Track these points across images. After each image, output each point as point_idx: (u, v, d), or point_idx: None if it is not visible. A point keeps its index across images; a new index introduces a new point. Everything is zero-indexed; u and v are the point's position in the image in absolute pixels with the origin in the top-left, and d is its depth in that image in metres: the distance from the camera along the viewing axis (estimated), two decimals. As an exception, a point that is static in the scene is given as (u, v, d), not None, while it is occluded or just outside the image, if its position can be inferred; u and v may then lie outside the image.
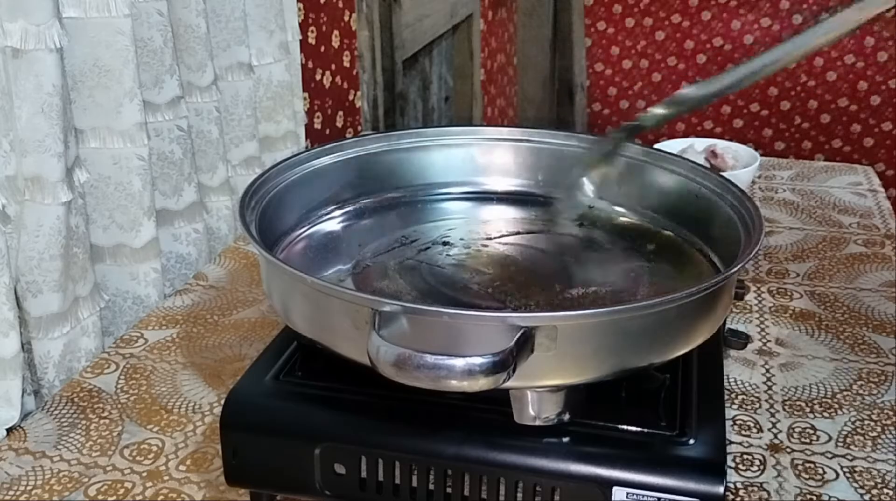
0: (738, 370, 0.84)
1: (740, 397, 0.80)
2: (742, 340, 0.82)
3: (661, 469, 0.55)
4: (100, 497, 0.68)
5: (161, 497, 0.68)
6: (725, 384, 0.79)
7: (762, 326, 0.92)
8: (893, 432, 0.75)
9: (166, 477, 0.70)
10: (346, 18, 1.49)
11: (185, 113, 0.98)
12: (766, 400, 0.79)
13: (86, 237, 0.87)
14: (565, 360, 0.54)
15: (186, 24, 0.98)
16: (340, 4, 1.46)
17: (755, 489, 0.68)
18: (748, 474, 0.70)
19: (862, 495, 0.68)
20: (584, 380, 0.56)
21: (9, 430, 0.76)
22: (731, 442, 0.74)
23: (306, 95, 1.34)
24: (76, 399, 0.80)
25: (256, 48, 1.13)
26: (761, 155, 1.25)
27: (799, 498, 0.68)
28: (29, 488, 0.69)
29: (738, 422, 0.76)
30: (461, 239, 0.77)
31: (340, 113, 1.50)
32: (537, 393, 0.55)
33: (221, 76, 1.07)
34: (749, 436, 0.75)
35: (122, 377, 0.83)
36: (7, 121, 0.76)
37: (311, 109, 1.39)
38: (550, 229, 0.80)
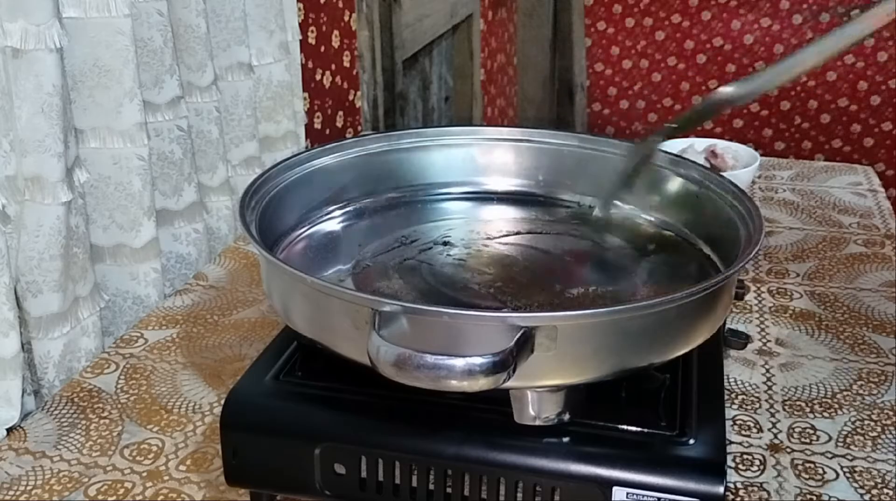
0: (738, 370, 0.84)
1: (740, 397, 0.80)
2: (742, 340, 0.82)
3: (661, 469, 0.55)
4: (100, 497, 0.68)
5: (161, 497, 0.68)
6: (725, 384, 0.79)
7: (762, 326, 0.92)
8: (893, 432, 0.75)
9: (166, 477, 0.70)
10: (346, 18, 1.49)
11: (185, 113, 0.98)
12: (766, 400, 0.79)
13: (86, 237, 0.87)
14: (565, 360, 0.54)
15: (186, 24, 0.98)
16: (340, 4, 1.46)
17: (755, 489, 0.68)
18: (748, 474, 0.70)
19: (862, 495, 0.68)
20: (584, 380, 0.56)
21: (9, 430, 0.76)
22: (731, 442, 0.74)
23: (306, 95, 1.34)
24: (76, 399, 0.80)
25: (256, 48, 1.13)
26: (761, 155, 1.25)
27: (799, 498, 0.68)
28: (29, 488, 0.69)
29: (738, 422, 0.76)
30: (461, 239, 0.77)
31: (340, 113, 1.50)
32: (537, 393, 0.55)
33: (221, 76, 1.07)
34: (749, 436, 0.75)
35: (122, 377, 0.83)
36: (7, 121, 0.76)
37: (311, 109, 1.39)
38: (551, 229, 0.80)
